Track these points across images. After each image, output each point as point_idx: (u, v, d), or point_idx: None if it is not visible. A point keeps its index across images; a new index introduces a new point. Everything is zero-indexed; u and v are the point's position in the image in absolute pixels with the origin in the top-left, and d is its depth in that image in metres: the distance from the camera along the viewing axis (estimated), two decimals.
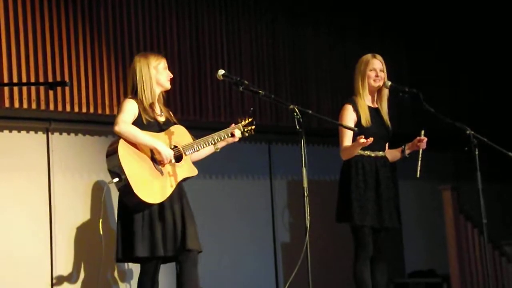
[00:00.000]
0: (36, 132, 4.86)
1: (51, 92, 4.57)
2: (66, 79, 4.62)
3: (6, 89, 4.41)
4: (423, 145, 4.29)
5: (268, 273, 6.02)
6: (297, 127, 3.49)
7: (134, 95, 3.89)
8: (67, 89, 4.64)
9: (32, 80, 4.50)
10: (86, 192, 5.00)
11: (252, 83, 5.35)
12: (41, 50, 4.59)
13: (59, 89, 4.61)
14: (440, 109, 4.34)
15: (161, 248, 3.78)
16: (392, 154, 4.45)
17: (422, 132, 4.32)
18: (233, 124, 4.15)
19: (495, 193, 6.92)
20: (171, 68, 5.21)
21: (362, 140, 4.07)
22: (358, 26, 6.49)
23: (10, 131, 4.75)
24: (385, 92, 4.41)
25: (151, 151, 3.81)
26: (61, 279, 4.81)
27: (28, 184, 4.76)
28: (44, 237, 4.78)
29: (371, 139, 4.09)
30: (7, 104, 4.42)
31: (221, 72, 3.65)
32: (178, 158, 3.88)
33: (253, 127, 4.16)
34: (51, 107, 4.61)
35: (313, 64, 6.19)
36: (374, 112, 4.39)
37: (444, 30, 7.18)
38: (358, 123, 4.30)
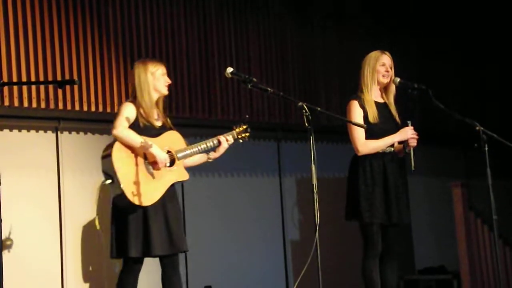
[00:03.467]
0: (45, 131, 4.88)
1: (60, 91, 4.59)
2: (75, 77, 4.63)
3: (15, 88, 4.43)
4: (413, 142, 4.27)
5: (278, 270, 6.02)
6: (306, 125, 3.48)
7: (134, 98, 4.02)
8: (75, 88, 4.66)
9: (41, 79, 4.52)
10: (95, 190, 5.01)
11: (261, 80, 5.34)
12: (49, 49, 4.60)
13: (67, 88, 4.63)
14: (450, 105, 4.32)
15: (154, 249, 3.90)
16: (397, 150, 4.43)
17: (409, 124, 4.29)
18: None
19: (506, 189, 6.88)
20: (179, 66, 5.27)
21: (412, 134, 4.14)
22: (367, 22, 6.47)
23: (20, 130, 4.77)
24: (392, 87, 4.40)
25: (145, 154, 3.91)
26: (71, 276, 4.83)
27: (38, 182, 4.78)
28: (54, 234, 4.80)
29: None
30: (16, 103, 4.44)
31: (230, 70, 3.64)
32: (171, 162, 3.99)
33: (247, 134, 4.24)
34: (60, 106, 4.62)
35: (322, 61, 6.17)
36: (382, 107, 4.37)
37: (454, 27, 7.14)
38: (365, 119, 4.28)
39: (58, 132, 4.90)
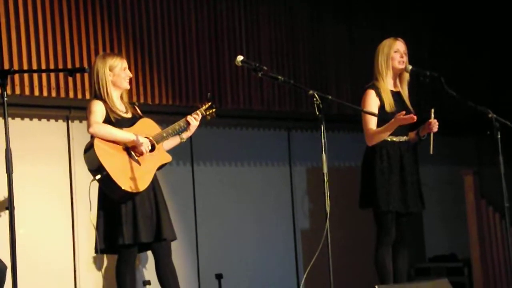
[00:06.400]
0: (56, 120, 4.90)
1: (70, 80, 4.60)
2: (85, 66, 4.63)
3: (26, 77, 4.44)
4: (434, 128, 4.24)
5: (288, 259, 6.03)
6: (317, 113, 3.48)
7: (95, 95, 4.03)
8: (86, 77, 4.66)
9: (52, 67, 4.53)
10: None
11: (271, 69, 5.32)
12: (59, 37, 4.61)
13: (78, 77, 4.64)
14: (461, 92, 4.29)
15: (143, 235, 3.92)
16: (410, 138, 4.41)
17: (432, 111, 4.25)
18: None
19: None
20: (189, 56, 5.26)
21: (402, 116, 4.05)
22: (377, 9, 6.43)
23: (31, 119, 4.79)
24: (406, 76, 4.38)
25: (125, 143, 3.94)
26: (83, 262, 4.86)
27: (50, 171, 4.80)
28: (66, 220, 4.83)
29: (412, 116, 4.07)
30: (27, 92, 4.45)
31: (240, 58, 3.63)
32: (152, 147, 4.02)
33: (213, 110, 4.29)
34: (71, 95, 4.64)
35: (332, 49, 6.15)
36: (397, 96, 4.35)
37: (465, 13, 7.09)
38: (382, 108, 4.26)
39: (69, 121, 4.92)
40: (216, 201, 5.65)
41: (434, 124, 4.23)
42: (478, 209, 5.49)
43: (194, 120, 4.17)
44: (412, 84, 4.46)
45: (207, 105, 4.28)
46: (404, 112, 4.11)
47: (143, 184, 3.93)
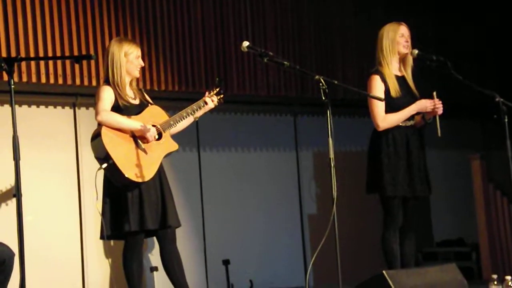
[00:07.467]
0: (63, 107, 4.91)
1: (77, 67, 4.60)
2: (91, 53, 4.64)
3: (33, 64, 4.45)
4: (439, 110, 4.23)
5: (295, 245, 6.04)
6: (323, 98, 3.47)
7: (106, 78, 4.03)
8: (92, 63, 4.67)
9: (58, 55, 4.53)
10: None
11: (277, 54, 5.30)
12: (66, 24, 4.61)
13: (84, 64, 4.64)
14: (468, 77, 4.27)
15: (149, 222, 3.94)
16: (416, 122, 4.40)
17: (434, 93, 4.24)
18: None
19: None
20: (195, 41, 5.25)
21: (433, 103, 4.09)
22: None
23: (38, 106, 4.81)
24: (410, 60, 4.35)
25: (132, 132, 3.95)
26: (91, 249, 4.88)
27: (57, 158, 4.82)
28: (74, 208, 4.87)
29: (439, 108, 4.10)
30: (34, 79, 4.46)
31: (246, 44, 3.62)
32: (158, 136, 4.03)
33: (221, 96, 4.28)
34: (77, 82, 4.65)
35: (339, 34, 6.12)
36: (401, 81, 4.33)
37: None
38: (387, 93, 4.24)
39: (76, 108, 4.93)
40: (223, 186, 5.67)
41: (439, 106, 4.22)
42: (485, 194, 5.48)
43: (211, 102, 4.20)
44: (417, 68, 4.43)
45: (215, 91, 4.29)
46: (436, 100, 4.13)
47: (149, 173, 3.94)
